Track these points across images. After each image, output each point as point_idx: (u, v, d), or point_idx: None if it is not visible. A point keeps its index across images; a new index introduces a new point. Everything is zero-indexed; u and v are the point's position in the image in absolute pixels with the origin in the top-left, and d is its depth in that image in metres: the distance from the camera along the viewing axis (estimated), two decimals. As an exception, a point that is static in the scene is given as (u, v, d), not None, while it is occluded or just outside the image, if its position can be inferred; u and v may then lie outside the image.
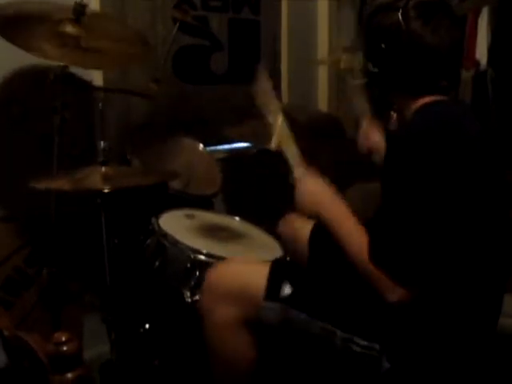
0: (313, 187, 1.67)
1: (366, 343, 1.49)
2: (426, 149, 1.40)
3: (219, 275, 1.71)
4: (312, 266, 1.69)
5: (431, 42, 1.49)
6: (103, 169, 1.83)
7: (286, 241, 1.84)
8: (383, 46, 1.52)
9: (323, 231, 1.64)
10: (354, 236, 1.50)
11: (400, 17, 1.48)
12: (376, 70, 1.56)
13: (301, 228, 1.74)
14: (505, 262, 1.58)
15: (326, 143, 3.49)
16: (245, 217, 2.28)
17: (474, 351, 1.54)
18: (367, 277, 1.43)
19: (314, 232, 1.69)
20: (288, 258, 1.98)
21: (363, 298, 1.52)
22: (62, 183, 1.80)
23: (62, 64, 1.96)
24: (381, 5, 1.57)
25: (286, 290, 1.59)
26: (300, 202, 1.67)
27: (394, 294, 1.40)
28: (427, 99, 1.54)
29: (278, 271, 1.65)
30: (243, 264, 1.75)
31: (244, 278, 1.67)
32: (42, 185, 1.76)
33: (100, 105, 2.13)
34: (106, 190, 1.80)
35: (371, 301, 1.50)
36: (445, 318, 1.49)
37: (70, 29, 1.93)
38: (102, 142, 1.86)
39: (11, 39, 1.85)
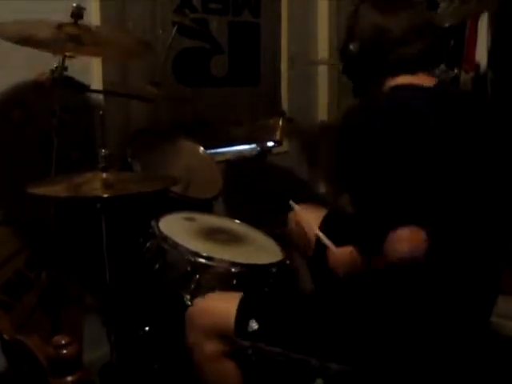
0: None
1: (339, 367, 1.55)
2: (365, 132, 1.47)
3: (197, 314, 1.75)
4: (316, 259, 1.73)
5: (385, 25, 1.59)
6: (104, 175, 1.83)
7: (295, 238, 1.90)
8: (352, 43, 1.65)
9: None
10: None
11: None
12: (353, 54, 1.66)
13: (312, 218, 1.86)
14: (494, 260, 1.58)
15: (326, 146, 3.50)
16: (245, 219, 2.28)
17: (465, 350, 1.55)
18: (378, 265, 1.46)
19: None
20: (288, 262, 1.98)
21: (342, 320, 1.58)
22: (61, 189, 1.79)
23: (61, 61, 1.96)
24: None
25: (253, 326, 1.64)
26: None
27: (400, 243, 1.37)
28: (397, 81, 1.60)
29: (245, 308, 1.70)
30: (217, 301, 1.77)
31: (218, 316, 1.71)
32: (41, 190, 1.76)
33: (100, 108, 2.13)
34: (105, 196, 1.80)
35: (346, 322, 1.56)
36: (433, 320, 1.50)
37: (70, 30, 1.93)
38: (103, 150, 1.86)
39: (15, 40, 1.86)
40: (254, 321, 1.64)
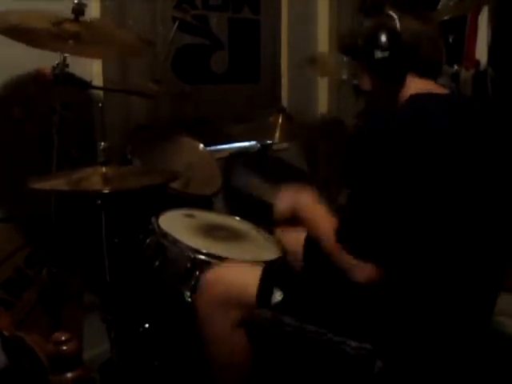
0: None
1: (357, 344, 1.53)
2: (379, 143, 1.47)
3: (214, 280, 1.74)
4: (306, 270, 1.71)
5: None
6: (103, 169, 1.82)
7: (286, 245, 1.89)
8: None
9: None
10: (328, 227, 1.57)
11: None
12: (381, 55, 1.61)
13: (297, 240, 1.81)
14: (497, 257, 1.58)
15: (326, 143, 3.50)
16: (245, 216, 2.28)
17: (466, 346, 1.54)
18: (338, 261, 1.50)
19: (308, 238, 1.72)
20: (287, 258, 1.98)
21: (353, 300, 1.56)
22: (61, 184, 1.79)
23: (62, 58, 1.96)
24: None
25: (277, 296, 1.63)
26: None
27: (361, 272, 1.46)
28: (416, 85, 1.60)
29: (269, 277, 1.69)
30: (237, 269, 1.77)
31: (238, 283, 1.70)
32: (41, 185, 1.76)
33: (100, 105, 2.13)
34: (106, 191, 1.80)
35: (361, 302, 1.54)
36: (434, 315, 1.50)
37: (69, 27, 1.93)
38: (102, 143, 1.85)
39: (14, 37, 1.86)
40: (278, 290, 1.63)
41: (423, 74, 1.62)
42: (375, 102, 1.74)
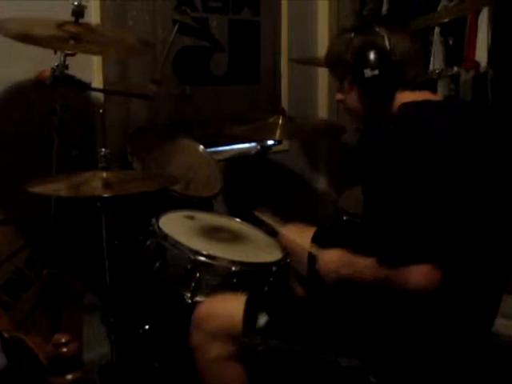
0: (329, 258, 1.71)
1: (349, 361, 1.54)
2: (386, 152, 1.46)
3: (203, 316, 1.74)
4: (312, 277, 1.72)
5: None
6: (104, 174, 1.82)
7: (288, 250, 1.90)
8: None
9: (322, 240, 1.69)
10: (363, 265, 1.53)
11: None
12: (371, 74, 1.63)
13: (301, 238, 1.84)
14: (500, 263, 1.58)
15: (326, 145, 3.50)
16: (245, 218, 2.28)
17: (464, 358, 1.54)
18: (391, 283, 1.44)
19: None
20: (288, 260, 1.98)
21: (348, 316, 1.58)
22: (61, 188, 1.79)
23: (62, 60, 1.96)
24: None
25: (262, 320, 1.64)
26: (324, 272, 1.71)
27: (419, 277, 1.40)
28: (406, 97, 1.60)
29: (253, 303, 1.70)
30: (224, 302, 1.77)
31: (225, 316, 1.70)
32: (42, 189, 1.76)
33: (101, 111, 2.13)
34: (106, 195, 1.80)
35: (355, 317, 1.57)
36: (428, 329, 1.50)
37: (71, 28, 1.94)
38: (103, 149, 1.86)
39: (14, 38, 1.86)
40: (263, 315, 1.64)
41: (412, 88, 1.62)
42: (360, 118, 1.74)
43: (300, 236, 1.89)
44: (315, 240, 1.86)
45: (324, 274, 1.68)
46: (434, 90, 2.73)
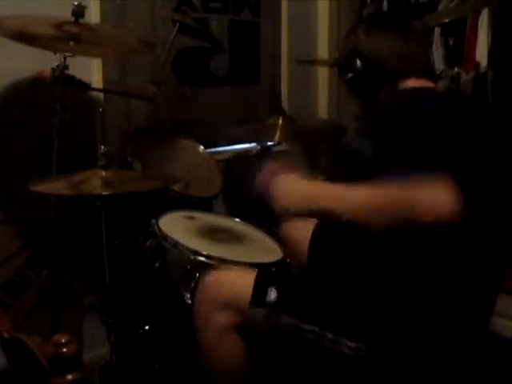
0: (290, 185, 1.60)
1: (354, 344, 1.53)
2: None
3: (211, 284, 1.74)
4: (312, 266, 1.71)
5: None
6: (103, 173, 1.82)
7: (288, 242, 1.88)
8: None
9: (324, 233, 1.66)
10: (359, 193, 1.42)
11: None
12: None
13: (302, 230, 1.78)
14: (496, 259, 1.58)
15: (326, 145, 3.50)
16: (245, 218, 2.28)
17: (463, 347, 1.54)
18: (406, 208, 1.32)
19: (314, 234, 1.72)
20: (288, 260, 1.98)
21: (354, 299, 1.56)
22: (61, 187, 1.79)
23: (62, 60, 1.96)
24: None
25: (272, 295, 1.62)
26: (286, 203, 1.58)
27: (445, 200, 1.30)
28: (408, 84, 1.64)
29: (265, 277, 1.69)
30: (233, 272, 1.77)
31: (233, 285, 1.70)
32: (42, 188, 1.76)
33: (100, 110, 2.13)
34: (105, 193, 1.80)
35: (361, 302, 1.55)
36: (432, 317, 1.50)
37: (70, 28, 1.94)
38: (102, 147, 1.85)
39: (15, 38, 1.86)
40: (273, 289, 1.63)
41: (413, 74, 1.65)
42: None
43: (300, 227, 1.88)
44: (315, 232, 1.85)
45: (281, 206, 1.56)
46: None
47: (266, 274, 1.71)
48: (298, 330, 1.59)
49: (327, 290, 1.64)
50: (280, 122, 2.67)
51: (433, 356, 1.50)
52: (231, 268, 1.80)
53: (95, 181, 1.80)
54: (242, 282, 1.69)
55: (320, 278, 1.73)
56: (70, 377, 1.48)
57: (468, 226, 1.48)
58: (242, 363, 1.72)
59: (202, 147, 2.63)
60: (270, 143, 2.76)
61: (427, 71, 1.71)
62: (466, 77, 2.99)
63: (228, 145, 3.02)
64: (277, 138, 2.65)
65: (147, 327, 2.10)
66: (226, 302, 1.67)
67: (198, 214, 2.20)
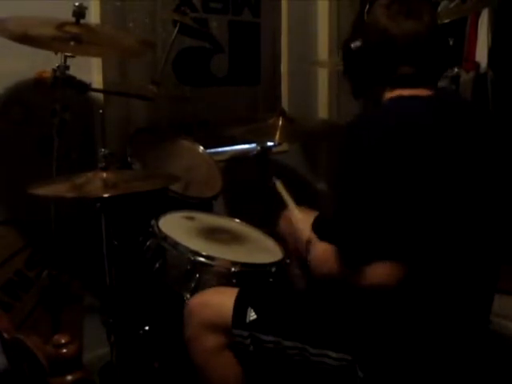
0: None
1: (337, 355, 1.55)
2: (364, 143, 1.44)
3: (195, 308, 1.75)
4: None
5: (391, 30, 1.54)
6: (104, 174, 1.83)
7: (287, 239, 1.89)
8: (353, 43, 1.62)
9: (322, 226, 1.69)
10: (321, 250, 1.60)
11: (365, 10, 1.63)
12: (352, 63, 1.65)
13: (301, 224, 1.84)
14: (489, 259, 1.57)
15: (327, 146, 3.50)
16: (245, 219, 2.28)
17: (457, 354, 1.53)
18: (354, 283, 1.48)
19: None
20: (288, 261, 1.98)
21: (337, 308, 1.58)
22: (62, 189, 1.79)
23: (62, 61, 1.96)
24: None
25: (251, 315, 1.65)
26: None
27: (386, 275, 1.43)
28: (396, 93, 1.56)
29: (243, 298, 1.70)
30: (216, 295, 1.78)
31: (218, 307, 1.71)
32: (42, 191, 1.76)
33: (100, 111, 2.13)
34: (106, 195, 1.80)
35: (343, 312, 1.56)
36: (420, 323, 1.49)
37: (71, 29, 1.94)
38: (102, 149, 1.86)
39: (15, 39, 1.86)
40: (252, 310, 1.65)
41: (404, 85, 1.55)
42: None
43: (305, 219, 1.89)
44: (314, 224, 1.86)
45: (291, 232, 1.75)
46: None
47: (245, 294, 1.72)
48: (281, 347, 1.61)
49: (308, 303, 1.67)
50: (280, 122, 2.66)
51: (422, 361, 1.49)
52: (212, 290, 1.81)
53: (96, 182, 1.80)
54: (226, 303, 1.70)
55: (300, 291, 1.78)
56: (69, 377, 1.48)
57: (465, 226, 1.48)
58: (237, 377, 1.74)
59: (201, 147, 2.63)
60: (269, 143, 2.76)
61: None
62: (465, 77, 2.99)
63: (228, 145, 3.02)
64: (277, 138, 2.65)
65: (147, 327, 2.10)
66: (212, 324, 1.69)
67: (197, 215, 2.21)
